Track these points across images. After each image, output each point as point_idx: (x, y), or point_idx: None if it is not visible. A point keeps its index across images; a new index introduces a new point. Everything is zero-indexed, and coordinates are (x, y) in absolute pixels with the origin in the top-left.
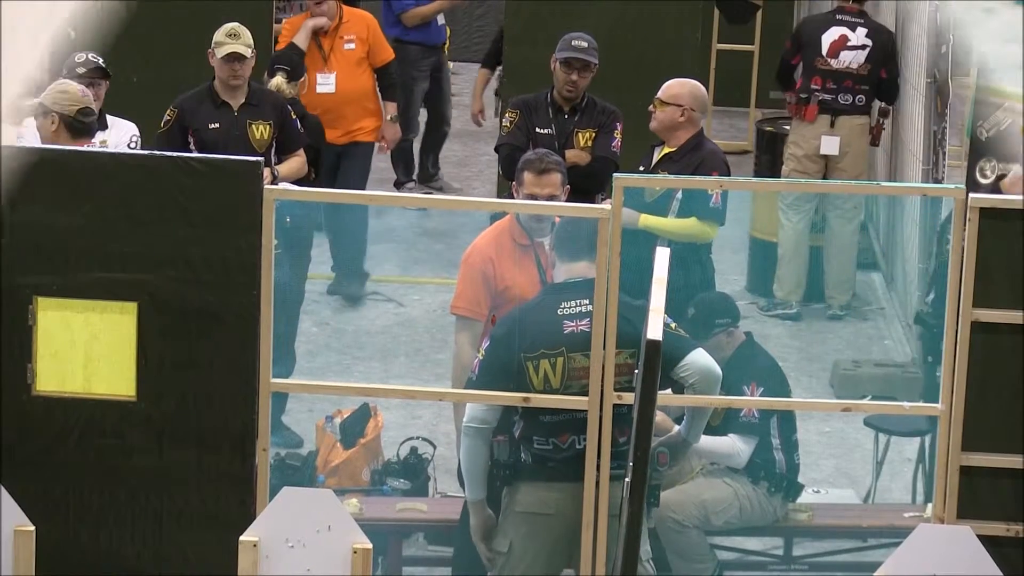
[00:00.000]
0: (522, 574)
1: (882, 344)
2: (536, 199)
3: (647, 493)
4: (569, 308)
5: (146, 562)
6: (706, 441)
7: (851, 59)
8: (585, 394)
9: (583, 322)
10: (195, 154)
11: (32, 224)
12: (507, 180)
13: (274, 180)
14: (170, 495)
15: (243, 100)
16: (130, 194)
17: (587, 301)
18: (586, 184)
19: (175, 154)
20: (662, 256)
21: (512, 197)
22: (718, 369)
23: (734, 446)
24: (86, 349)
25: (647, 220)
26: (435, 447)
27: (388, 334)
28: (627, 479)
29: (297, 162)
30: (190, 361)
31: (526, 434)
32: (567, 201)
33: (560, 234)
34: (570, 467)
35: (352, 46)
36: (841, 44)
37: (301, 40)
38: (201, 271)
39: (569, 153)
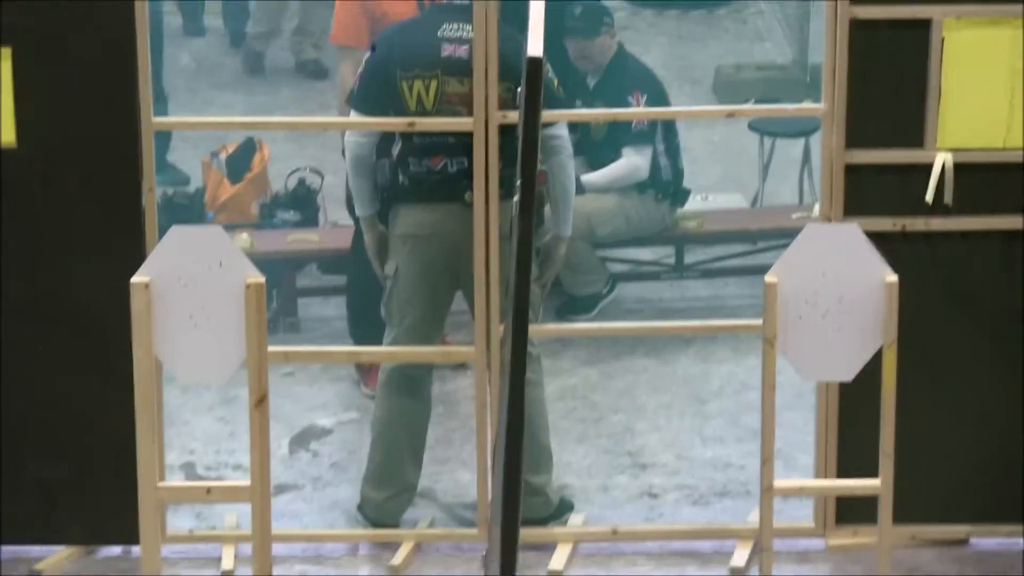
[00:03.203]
0: (410, 296)
1: (763, 47)
2: None
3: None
4: (450, 31)
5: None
6: (604, 174)
7: None
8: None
9: (462, 47)
10: None
11: None
12: None
13: None
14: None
15: None
16: None
17: (469, 26)
18: None
19: None
20: None
21: None
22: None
23: (631, 162)
24: None
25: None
26: (323, 177)
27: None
28: (516, 199)
29: None
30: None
31: (403, 156)
32: None
33: None
34: (444, 189)
35: None
36: None
37: None
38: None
39: None
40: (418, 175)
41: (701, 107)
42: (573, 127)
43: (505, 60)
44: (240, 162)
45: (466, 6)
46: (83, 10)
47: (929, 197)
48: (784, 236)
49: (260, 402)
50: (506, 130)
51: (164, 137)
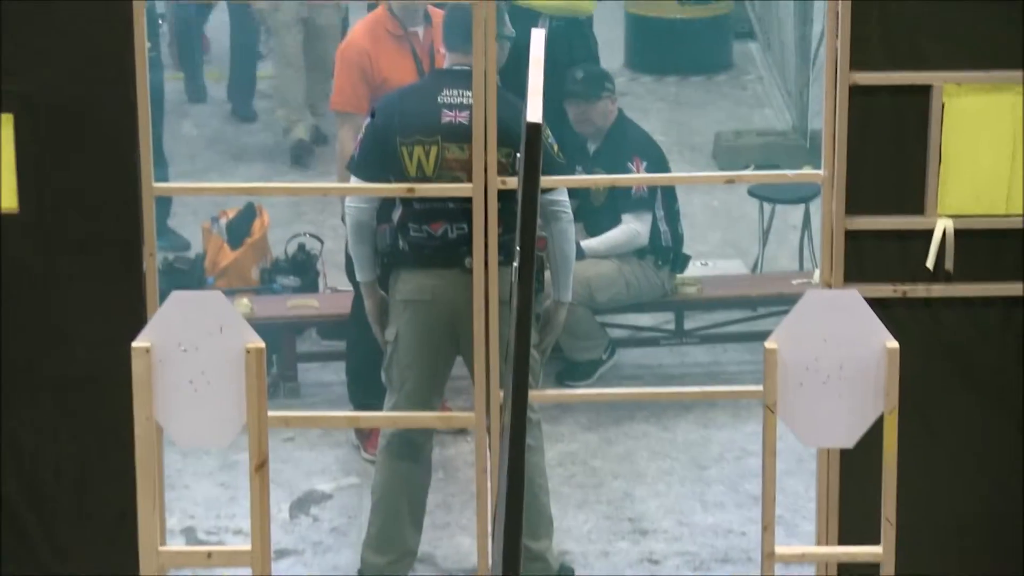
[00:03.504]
0: (411, 361)
1: (762, 113)
2: None
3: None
4: (450, 97)
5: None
6: (603, 240)
7: None
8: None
9: (462, 113)
10: None
11: None
12: None
13: None
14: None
15: None
16: None
17: (469, 92)
18: None
19: None
20: (538, 37)
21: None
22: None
23: (630, 229)
24: None
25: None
26: (323, 242)
27: (271, 132)
28: (515, 264)
29: None
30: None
31: (403, 221)
32: None
33: (448, 21)
34: (444, 254)
35: None
36: None
37: None
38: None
39: None
40: (418, 240)
41: (701, 173)
42: (573, 193)
43: (504, 126)
44: (240, 228)
45: (466, 72)
46: (84, 76)
47: (930, 263)
48: (784, 302)
49: (260, 467)
50: (505, 196)
51: (164, 203)
